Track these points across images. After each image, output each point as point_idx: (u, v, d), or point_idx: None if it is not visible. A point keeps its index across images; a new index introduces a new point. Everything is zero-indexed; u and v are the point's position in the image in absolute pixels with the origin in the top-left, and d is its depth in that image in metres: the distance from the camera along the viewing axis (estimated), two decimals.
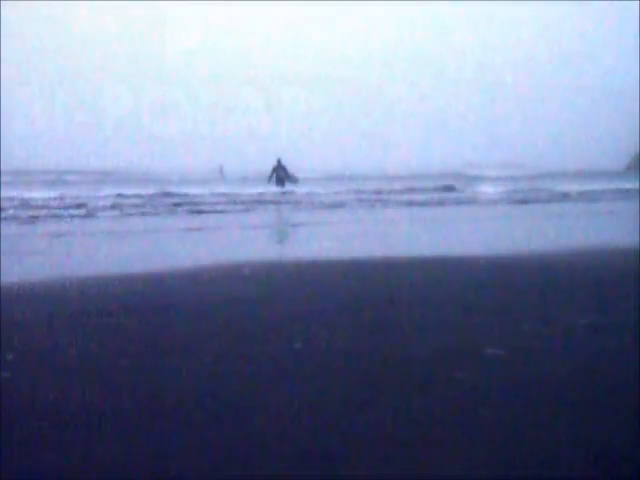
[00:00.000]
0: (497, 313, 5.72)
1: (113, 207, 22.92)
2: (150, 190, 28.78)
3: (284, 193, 31.57)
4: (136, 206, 23.42)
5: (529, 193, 32.83)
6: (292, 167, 38.85)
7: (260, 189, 31.51)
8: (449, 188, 36.65)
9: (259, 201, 26.69)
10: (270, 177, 37.57)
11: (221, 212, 22.03)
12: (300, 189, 33.30)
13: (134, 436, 3.24)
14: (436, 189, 35.37)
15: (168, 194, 27.95)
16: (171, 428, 3.32)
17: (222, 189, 31.62)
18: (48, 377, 4.12)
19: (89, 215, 20.60)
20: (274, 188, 34.87)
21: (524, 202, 27.31)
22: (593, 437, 3.17)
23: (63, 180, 49.41)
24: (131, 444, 3.15)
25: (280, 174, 37.79)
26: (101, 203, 23.85)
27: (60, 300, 6.53)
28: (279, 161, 38.28)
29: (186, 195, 27.68)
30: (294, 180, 38.14)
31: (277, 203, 26.49)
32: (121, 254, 11.50)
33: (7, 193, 25.02)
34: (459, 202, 27.26)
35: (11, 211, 20.58)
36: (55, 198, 25.67)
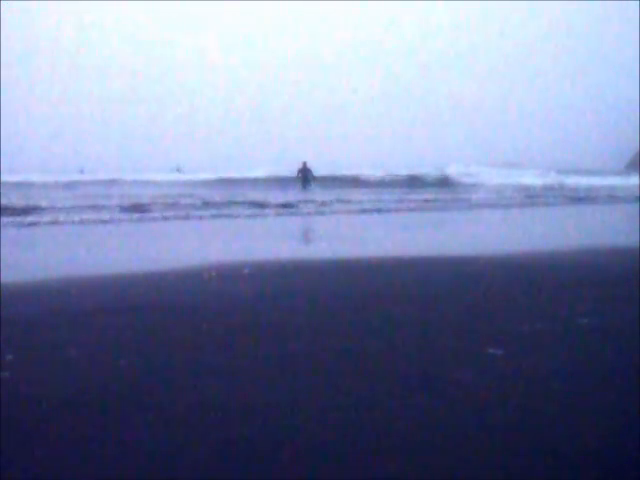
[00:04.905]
0: (497, 313, 5.73)
1: None
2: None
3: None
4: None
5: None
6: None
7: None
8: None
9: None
10: (297, 179, 37.92)
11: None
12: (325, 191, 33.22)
13: (134, 435, 3.25)
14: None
15: None
16: (172, 428, 3.33)
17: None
18: (48, 377, 4.13)
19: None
20: (300, 190, 35.08)
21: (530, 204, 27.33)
22: (593, 437, 3.17)
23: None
24: (132, 444, 3.16)
25: (307, 176, 38.06)
26: None
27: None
28: (305, 164, 38.47)
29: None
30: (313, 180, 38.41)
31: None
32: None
33: None
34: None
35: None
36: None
